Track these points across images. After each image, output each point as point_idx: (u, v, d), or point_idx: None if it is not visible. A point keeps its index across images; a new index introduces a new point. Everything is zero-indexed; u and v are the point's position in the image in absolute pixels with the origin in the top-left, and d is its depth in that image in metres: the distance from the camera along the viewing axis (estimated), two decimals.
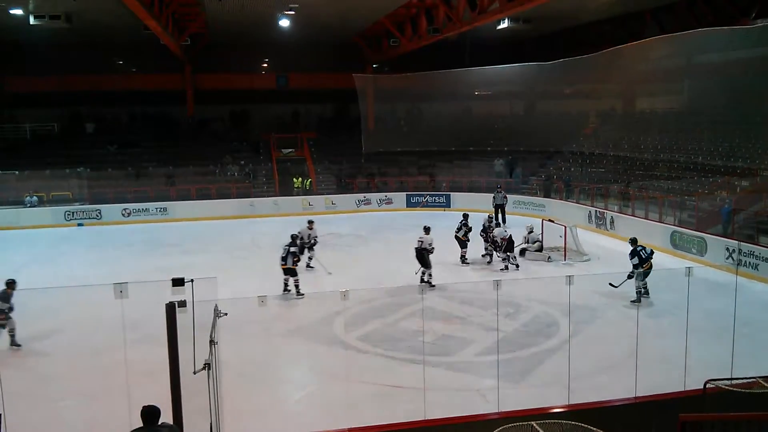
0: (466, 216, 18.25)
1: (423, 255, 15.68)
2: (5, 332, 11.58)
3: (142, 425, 5.58)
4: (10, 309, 11.53)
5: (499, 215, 24.42)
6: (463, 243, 18.12)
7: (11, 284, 11.56)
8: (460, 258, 18.14)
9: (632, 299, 13.75)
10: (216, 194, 29.24)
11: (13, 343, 11.69)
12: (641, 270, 13.81)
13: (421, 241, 15.78)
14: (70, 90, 32.14)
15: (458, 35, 26.38)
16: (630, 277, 13.79)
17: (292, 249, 14.88)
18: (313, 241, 17.79)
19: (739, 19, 20.97)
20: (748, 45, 21.31)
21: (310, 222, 18.07)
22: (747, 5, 21.18)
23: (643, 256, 13.93)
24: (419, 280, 15.48)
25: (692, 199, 20.77)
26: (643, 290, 13.95)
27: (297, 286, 14.89)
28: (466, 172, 31.72)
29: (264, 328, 12.21)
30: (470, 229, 18.07)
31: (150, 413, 5.62)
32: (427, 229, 16.25)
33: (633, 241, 14.38)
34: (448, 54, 30.17)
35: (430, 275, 15.61)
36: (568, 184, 27.40)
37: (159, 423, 5.65)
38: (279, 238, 22.50)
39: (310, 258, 17.81)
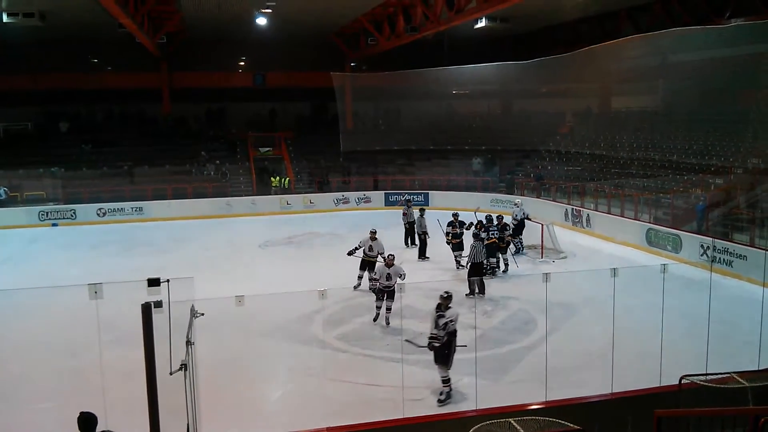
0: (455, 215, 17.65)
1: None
2: None
3: None
4: None
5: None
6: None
7: None
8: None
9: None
10: (192, 193, 28.96)
11: None
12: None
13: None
14: (44, 88, 31.52)
15: (436, 34, 26.42)
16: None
17: None
18: None
19: (713, 19, 21.19)
20: (722, 45, 21.57)
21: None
22: (721, 5, 21.41)
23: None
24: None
25: (667, 196, 21.02)
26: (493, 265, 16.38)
27: None
28: (445, 170, 31.82)
29: (241, 327, 12.11)
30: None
31: (85, 421, 5.53)
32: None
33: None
34: (425, 53, 30.18)
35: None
36: (540, 179, 27.59)
37: (101, 431, 5.55)
38: (256, 237, 22.56)
39: None
